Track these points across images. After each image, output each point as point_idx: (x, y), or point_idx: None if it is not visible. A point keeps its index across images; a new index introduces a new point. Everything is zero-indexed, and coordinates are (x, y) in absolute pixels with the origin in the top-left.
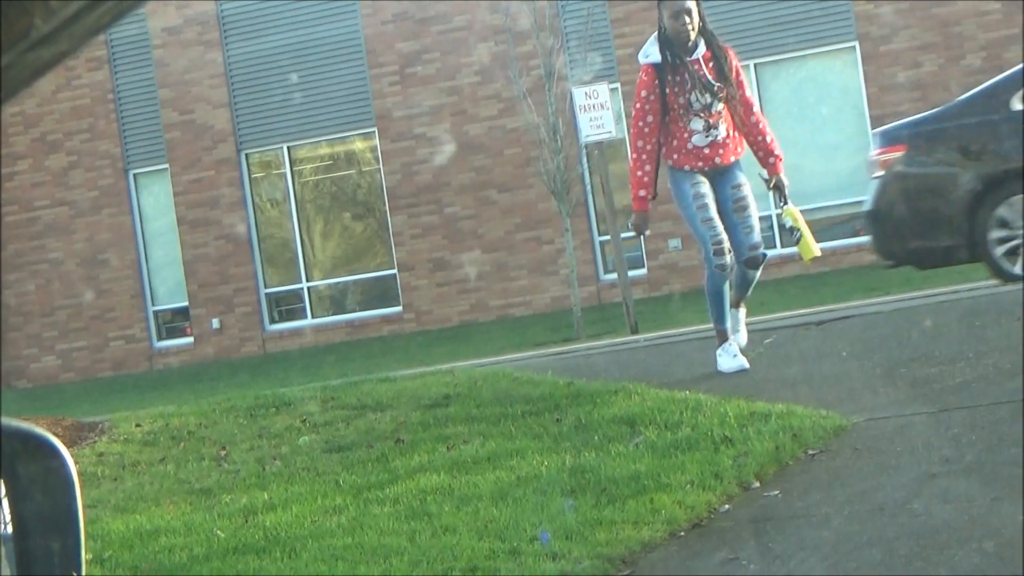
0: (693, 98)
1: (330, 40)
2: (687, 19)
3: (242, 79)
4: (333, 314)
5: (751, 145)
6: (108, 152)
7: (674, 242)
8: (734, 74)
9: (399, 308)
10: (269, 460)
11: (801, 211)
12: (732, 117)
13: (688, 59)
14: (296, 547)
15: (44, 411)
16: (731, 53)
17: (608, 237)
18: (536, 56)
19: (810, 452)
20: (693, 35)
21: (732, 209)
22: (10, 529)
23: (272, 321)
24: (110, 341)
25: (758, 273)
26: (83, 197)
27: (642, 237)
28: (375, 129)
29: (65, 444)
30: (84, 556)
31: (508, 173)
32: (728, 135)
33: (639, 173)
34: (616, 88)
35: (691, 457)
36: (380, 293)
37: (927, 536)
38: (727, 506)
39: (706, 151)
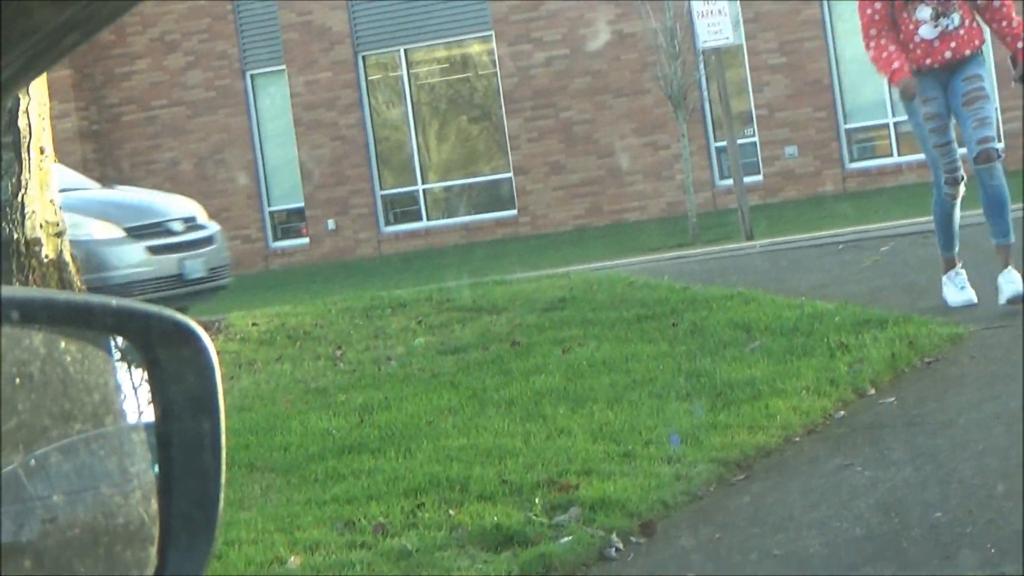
0: None
1: None
2: None
3: None
4: (448, 217)
5: (995, 33)
6: (226, 52)
7: (790, 149)
8: None
9: (514, 212)
10: (384, 360)
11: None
12: (967, 2)
13: None
14: (411, 447)
15: None
16: None
17: (724, 143)
18: None
19: (926, 360)
20: None
21: (961, 103)
22: (152, 418)
23: (387, 223)
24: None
25: (1002, 180)
26: (200, 97)
27: (908, 101)
28: (492, 33)
29: None
30: (224, 441)
31: (625, 78)
32: (963, 24)
33: (884, 55)
34: None
35: (806, 363)
36: (495, 197)
37: None
38: (842, 412)
39: (936, 44)
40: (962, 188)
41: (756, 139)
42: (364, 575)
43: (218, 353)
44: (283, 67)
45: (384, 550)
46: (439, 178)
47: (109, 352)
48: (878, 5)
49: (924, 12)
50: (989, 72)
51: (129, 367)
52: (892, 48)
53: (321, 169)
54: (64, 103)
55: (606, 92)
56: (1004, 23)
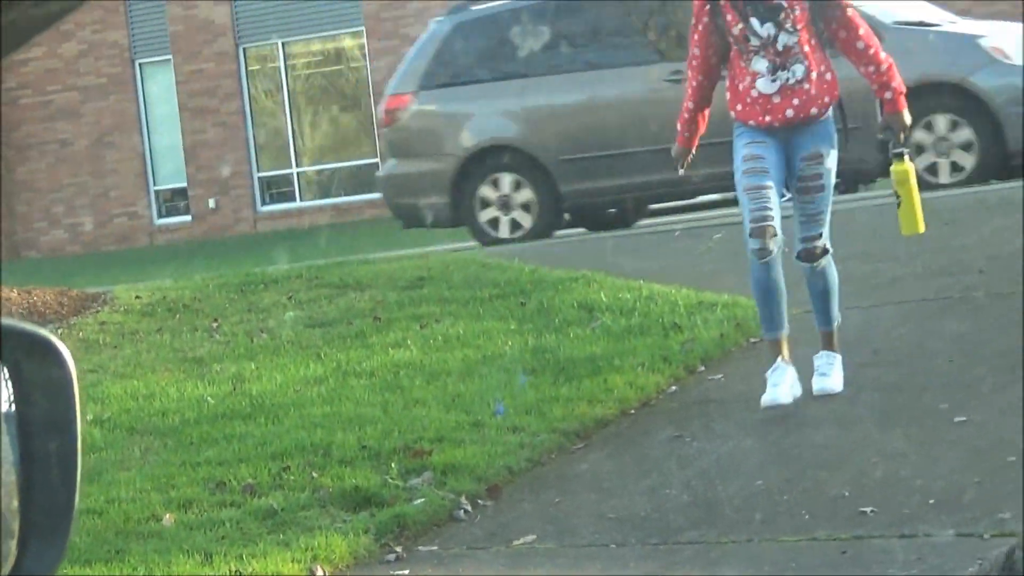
0: (751, 27)
1: None
2: None
3: None
4: (320, 198)
5: (863, 76)
6: (116, 42)
7: None
8: None
9: (381, 194)
10: (257, 333)
11: None
12: (820, 50)
13: None
14: (279, 414)
15: (51, 282)
16: None
17: None
18: None
19: (751, 340)
20: None
21: (796, 186)
22: (13, 407)
23: (264, 203)
24: (114, 217)
25: (827, 272)
26: (92, 84)
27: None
28: (363, 28)
29: (70, 313)
30: (80, 448)
31: None
32: (810, 77)
33: (683, 111)
34: None
35: (643, 342)
36: (364, 180)
37: (853, 421)
38: (674, 388)
39: (775, 100)
40: (774, 244)
41: None
42: (233, 532)
43: (103, 324)
44: (170, 57)
45: (252, 509)
46: (312, 161)
47: None
48: (697, 52)
49: (760, 64)
50: (834, 142)
51: None
52: (690, 106)
53: (204, 152)
54: None
55: None
56: (871, 68)
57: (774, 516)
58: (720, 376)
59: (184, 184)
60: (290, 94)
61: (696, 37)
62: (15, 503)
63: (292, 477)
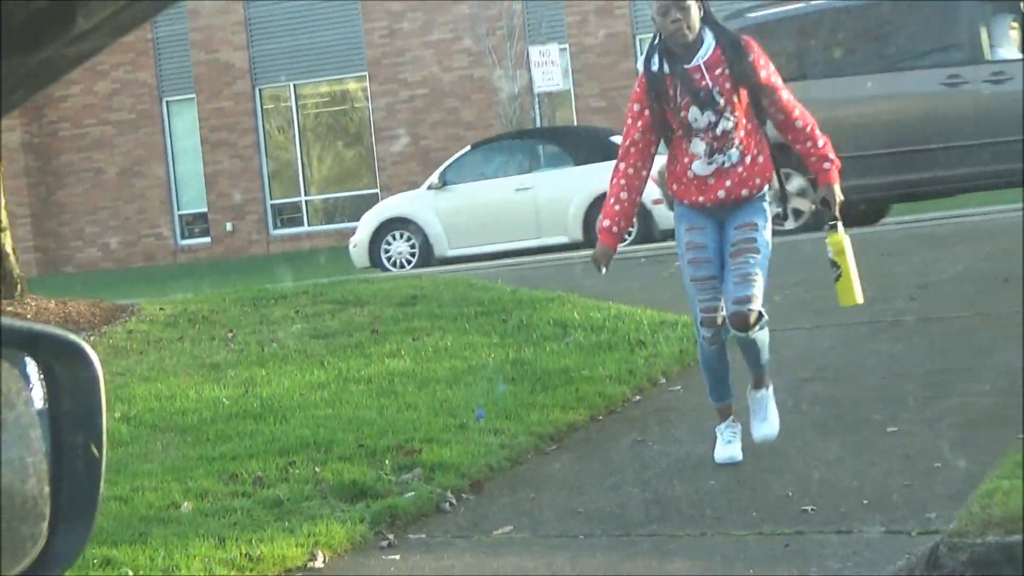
0: (692, 115)
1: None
2: (678, 15)
3: (259, 28)
4: (326, 223)
5: (799, 155)
6: (146, 82)
7: None
8: (756, 76)
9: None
10: (267, 343)
11: None
12: (756, 133)
13: (687, 66)
14: (286, 415)
15: (85, 294)
16: (753, 47)
17: None
18: (501, 18)
19: None
20: (690, 34)
21: (729, 252)
22: (48, 416)
23: (276, 227)
24: (142, 238)
25: (758, 336)
26: (124, 118)
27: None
28: (366, 73)
29: (101, 322)
30: (105, 438)
31: (474, 114)
32: (744, 161)
33: (611, 200)
34: (565, 48)
35: (611, 356)
36: (365, 207)
37: (796, 429)
38: (638, 397)
39: (710, 181)
40: (722, 332)
41: None
42: (244, 519)
43: (131, 332)
44: (194, 96)
45: (261, 499)
46: (319, 191)
47: (12, 362)
48: (638, 137)
49: (698, 146)
50: (767, 218)
51: (28, 377)
52: (623, 197)
53: (222, 180)
54: (11, 119)
55: (458, 125)
56: (809, 144)
57: (725, 513)
58: (679, 388)
59: (204, 209)
60: (300, 130)
61: (639, 124)
62: (46, 490)
63: (297, 471)
